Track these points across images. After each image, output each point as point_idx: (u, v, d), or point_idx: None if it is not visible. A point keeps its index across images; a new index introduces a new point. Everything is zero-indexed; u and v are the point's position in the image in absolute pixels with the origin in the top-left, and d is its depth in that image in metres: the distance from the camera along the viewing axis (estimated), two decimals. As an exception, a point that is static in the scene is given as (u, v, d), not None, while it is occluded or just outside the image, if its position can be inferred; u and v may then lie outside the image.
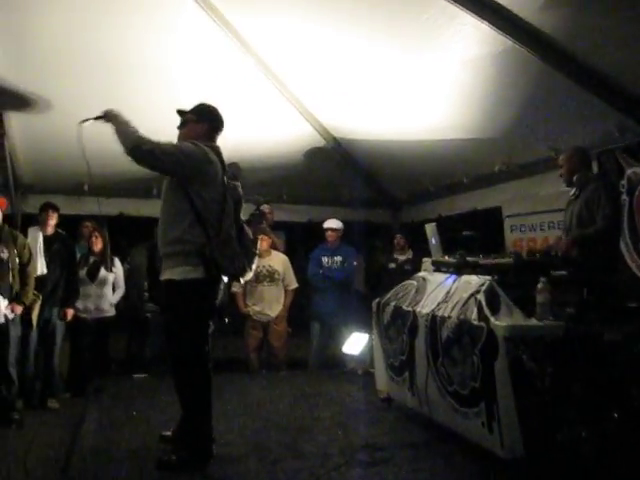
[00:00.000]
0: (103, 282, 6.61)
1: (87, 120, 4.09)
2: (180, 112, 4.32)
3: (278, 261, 7.43)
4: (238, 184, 4.35)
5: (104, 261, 6.64)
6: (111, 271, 6.69)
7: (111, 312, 6.74)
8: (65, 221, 6.51)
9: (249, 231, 4.42)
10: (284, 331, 7.51)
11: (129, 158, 3.94)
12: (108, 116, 4.04)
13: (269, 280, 7.33)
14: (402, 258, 7.58)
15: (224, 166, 4.21)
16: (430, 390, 4.46)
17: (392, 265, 7.60)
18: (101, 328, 6.59)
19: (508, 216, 6.98)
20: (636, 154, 5.15)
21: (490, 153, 6.46)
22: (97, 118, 4.08)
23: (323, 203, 8.68)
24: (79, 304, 6.43)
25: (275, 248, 7.55)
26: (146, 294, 7.15)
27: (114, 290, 6.81)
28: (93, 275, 6.58)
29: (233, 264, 4.08)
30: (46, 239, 5.95)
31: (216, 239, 3.98)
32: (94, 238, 6.67)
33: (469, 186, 7.38)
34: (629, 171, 5.22)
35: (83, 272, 6.52)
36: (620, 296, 4.76)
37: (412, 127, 6.59)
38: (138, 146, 3.87)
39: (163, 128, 4.25)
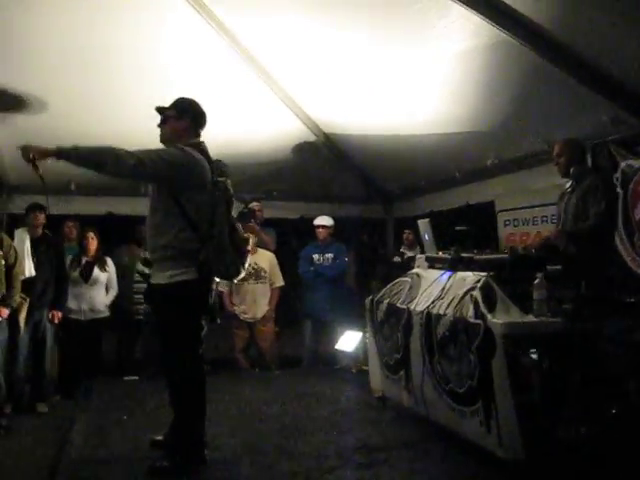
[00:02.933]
0: (96, 283, 6.55)
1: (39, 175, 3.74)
2: (159, 109, 4.18)
3: (264, 259, 7.34)
4: (228, 182, 4.23)
5: (97, 261, 6.56)
6: (105, 271, 6.62)
7: (105, 313, 6.69)
8: (52, 221, 6.40)
9: (241, 229, 4.32)
10: (271, 331, 7.42)
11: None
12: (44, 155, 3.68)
13: (255, 278, 7.23)
14: (410, 254, 7.47)
15: (212, 165, 4.10)
16: (426, 389, 4.39)
17: (397, 259, 7.54)
18: (94, 329, 6.52)
19: (501, 210, 6.91)
20: (630, 147, 5.08)
21: (482, 147, 6.38)
22: (35, 168, 3.68)
23: (314, 199, 8.59)
24: (73, 305, 6.40)
25: (266, 246, 7.46)
26: (138, 295, 7.03)
27: (107, 291, 6.74)
28: (86, 276, 6.52)
29: (227, 268, 4.01)
30: (34, 241, 5.84)
31: (210, 244, 3.89)
32: (90, 239, 6.61)
33: (461, 180, 7.29)
34: (623, 164, 5.15)
35: (76, 273, 6.46)
36: (616, 290, 4.72)
37: (403, 121, 6.52)
38: (121, 164, 3.71)
39: (152, 125, 4.19)
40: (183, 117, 4.12)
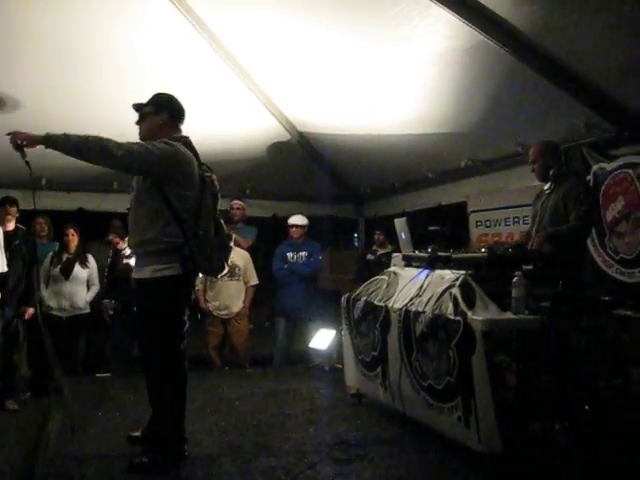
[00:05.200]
0: (77, 279, 6.53)
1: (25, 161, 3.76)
2: (137, 106, 4.15)
3: (239, 256, 7.31)
4: (214, 177, 4.21)
5: (78, 258, 6.53)
6: (86, 267, 6.59)
7: (85, 310, 6.70)
8: (23, 216, 6.31)
9: (224, 225, 4.31)
10: (245, 328, 7.41)
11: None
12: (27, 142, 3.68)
13: (229, 275, 7.18)
14: (382, 251, 7.61)
15: (198, 159, 4.09)
16: (404, 385, 4.43)
17: (370, 257, 7.63)
18: (74, 326, 6.48)
19: (473, 211, 7.01)
20: (602, 150, 5.21)
21: (456, 148, 6.47)
22: (22, 155, 3.72)
23: (288, 198, 8.65)
24: (53, 302, 6.39)
25: (237, 245, 7.44)
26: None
27: (89, 288, 6.74)
28: (67, 272, 6.50)
29: (211, 263, 4.01)
30: (6, 235, 5.74)
31: (194, 239, 3.88)
32: (70, 235, 6.61)
33: (434, 181, 7.39)
34: (595, 167, 5.29)
35: (56, 270, 6.44)
36: (587, 289, 4.83)
37: (379, 121, 6.58)
38: (107, 155, 3.70)
39: (130, 121, 4.16)
40: (160, 113, 4.08)
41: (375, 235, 7.97)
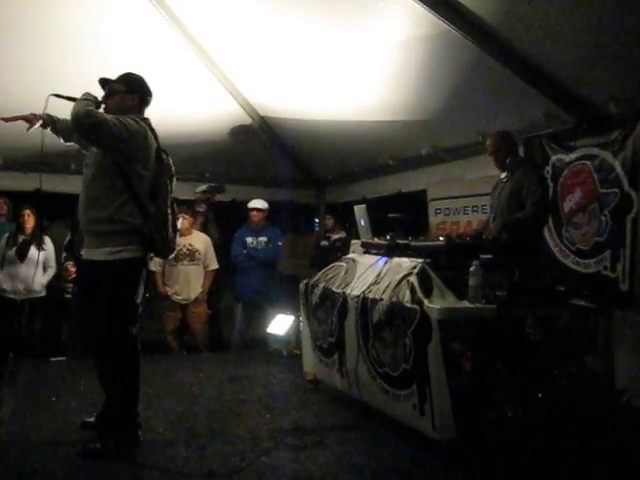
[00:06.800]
0: (32, 262, 6.40)
1: (59, 96, 3.92)
2: (104, 81, 4.06)
3: (199, 240, 7.28)
4: (170, 160, 4.17)
5: (34, 240, 6.40)
6: (42, 250, 6.46)
7: (41, 293, 6.61)
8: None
9: (177, 209, 4.26)
10: (204, 313, 7.40)
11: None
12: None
13: (189, 259, 7.17)
14: (335, 237, 7.58)
15: (157, 141, 4.02)
16: (360, 372, 4.45)
17: (324, 243, 7.61)
18: (29, 309, 6.38)
19: (433, 199, 7.04)
20: (561, 141, 5.27)
21: (417, 136, 6.47)
22: (68, 98, 3.88)
23: (248, 182, 8.56)
24: (7, 285, 6.26)
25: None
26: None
27: (45, 270, 6.64)
28: (22, 255, 6.38)
29: (167, 244, 3.96)
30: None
31: (153, 219, 3.84)
32: (26, 216, 6.50)
33: (395, 168, 7.38)
34: (554, 158, 5.34)
35: (12, 252, 6.32)
36: (543, 279, 4.90)
37: (340, 107, 6.54)
38: (86, 117, 3.67)
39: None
40: (131, 92, 4.02)
41: (325, 220, 7.89)
